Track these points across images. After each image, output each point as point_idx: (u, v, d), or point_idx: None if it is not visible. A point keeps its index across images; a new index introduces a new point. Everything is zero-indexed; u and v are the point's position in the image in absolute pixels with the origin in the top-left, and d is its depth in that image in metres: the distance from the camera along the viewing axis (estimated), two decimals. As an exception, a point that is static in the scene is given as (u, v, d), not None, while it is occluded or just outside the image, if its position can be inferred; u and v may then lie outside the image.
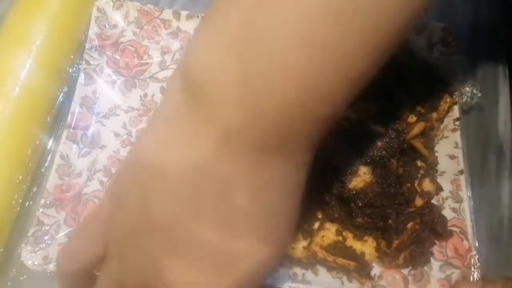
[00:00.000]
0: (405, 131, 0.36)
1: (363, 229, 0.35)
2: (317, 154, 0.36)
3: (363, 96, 0.39)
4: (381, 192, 0.35)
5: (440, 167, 0.40)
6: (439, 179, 0.40)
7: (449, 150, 0.41)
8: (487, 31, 0.47)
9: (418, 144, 0.37)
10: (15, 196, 0.38)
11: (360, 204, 0.35)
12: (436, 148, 0.41)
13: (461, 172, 0.40)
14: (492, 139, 0.43)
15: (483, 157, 0.42)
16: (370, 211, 0.35)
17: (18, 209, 0.39)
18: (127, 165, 0.26)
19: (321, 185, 0.36)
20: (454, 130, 0.41)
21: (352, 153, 0.36)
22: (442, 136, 0.41)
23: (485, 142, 0.43)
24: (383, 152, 0.35)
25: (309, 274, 0.37)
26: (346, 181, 0.35)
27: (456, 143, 0.40)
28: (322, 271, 0.37)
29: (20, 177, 0.39)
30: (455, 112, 0.41)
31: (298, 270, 0.37)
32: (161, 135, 0.24)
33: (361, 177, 0.35)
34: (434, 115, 0.40)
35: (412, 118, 0.37)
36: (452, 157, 0.40)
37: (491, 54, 0.45)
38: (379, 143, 0.36)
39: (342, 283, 0.37)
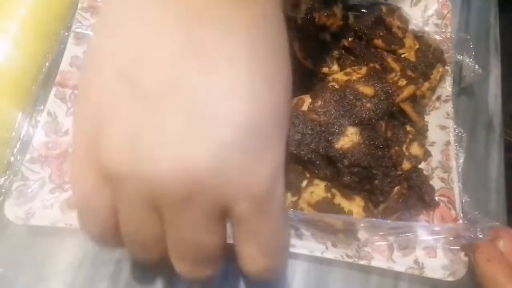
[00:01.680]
0: (395, 93, 0.36)
1: (350, 188, 0.35)
2: (305, 116, 0.36)
3: (354, 59, 0.39)
4: (369, 153, 0.35)
5: (431, 137, 0.40)
6: (430, 149, 0.40)
7: (440, 120, 0.40)
8: (481, 4, 0.47)
9: (407, 107, 0.37)
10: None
11: (346, 164, 0.34)
12: (427, 119, 0.41)
13: (450, 143, 0.39)
14: (482, 113, 0.43)
15: (473, 130, 0.42)
16: (357, 170, 0.35)
17: (5, 162, 0.38)
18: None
19: (308, 145, 0.35)
20: (445, 101, 0.41)
21: (340, 113, 0.35)
22: (434, 107, 0.41)
23: (475, 116, 0.43)
24: (372, 113, 0.35)
25: (293, 238, 0.37)
26: (333, 141, 0.35)
27: (448, 114, 0.40)
28: (306, 235, 0.37)
29: (13, 134, 0.39)
30: (448, 83, 0.41)
31: (283, 234, 0.37)
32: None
33: (349, 137, 0.35)
34: (426, 84, 0.40)
35: (402, 82, 0.37)
36: (443, 127, 0.40)
37: (483, 29, 0.45)
38: (368, 105, 0.35)
39: (326, 247, 0.37)
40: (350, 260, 0.36)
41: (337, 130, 0.35)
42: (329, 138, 0.35)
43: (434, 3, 0.44)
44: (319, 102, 0.36)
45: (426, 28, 0.43)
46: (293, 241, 0.37)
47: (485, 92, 0.44)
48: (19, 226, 0.37)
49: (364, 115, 0.35)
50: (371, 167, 0.35)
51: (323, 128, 0.35)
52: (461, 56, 0.41)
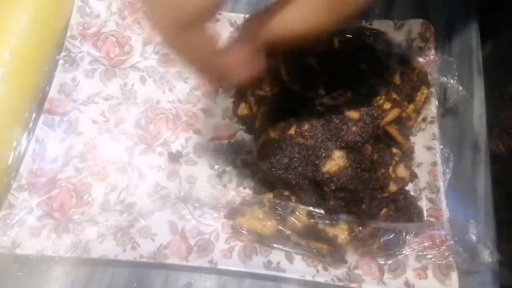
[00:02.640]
0: (380, 116, 0.37)
1: (336, 213, 0.35)
2: (292, 140, 0.36)
3: (340, 84, 0.40)
4: (355, 177, 0.35)
5: (418, 158, 0.41)
6: (417, 170, 0.40)
7: (426, 141, 0.41)
8: (463, 27, 0.48)
9: (392, 130, 0.38)
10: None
11: (333, 187, 0.35)
12: (414, 140, 0.41)
13: (436, 163, 0.40)
14: (467, 134, 0.43)
15: (459, 151, 0.43)
16: (343, 195, 0.35)
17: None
18: None
19: (296, 169, 0.36)
20: (431, 122, 0.41)
21: (327, 137, 0.36)
22: (420, 128, 0.42)
23: (461, 136, 0.43)
24: (358, 137, 0.36)
25: (283, 262, 0.37)
26: (320, 165, 0.35)
27: (434, 135, 0.41)
28: (297, 259, 0.37)
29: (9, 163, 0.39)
30: (432, 104, 0.42)
31: (273, 258, 0.37)
32: None
33: (335, 161, 0.35)
34: (411, 106, 0.40)
35: (387, 105, 0.38)
36: (430, 148, 0.41)
37: (466, 51, 0.46)
38: (354, 128, 0.36)
39: (317, 271, 0.36)
40: (341, 284, 0.36)
41: (323, 154, 0.35)
42: (316, 162, 0.35)
43: (417, 27, 0.45)
44: (306, 126, 0.36)
45: (410, 51, 0.44)
46: (284, 265, 0.37)
47: (470, 113, 0.44)
48: (5, 256, 0.36)
49: (350, 138, 0.36)
50: (358, 190, 0.35)
51: (310, 152, 0.36)
52: (445, 78, 0.42)
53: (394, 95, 0.39)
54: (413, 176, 0.38)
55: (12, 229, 0.36)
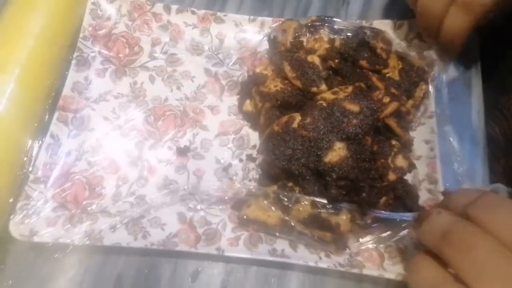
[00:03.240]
0: (379, 110, 0.38)
1: (337, 201, 0.37)
2: (295, 133, 0.38)
3: (341, 79, 0.41)
4: (356, 166, 0.36)
5: (417, 151, 0.42)
6: (416, 163, 0.41)
7: (425, 135, 0.42)
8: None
9: (392, 122, 0.39)
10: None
11: (334, 177, 0.36)
12: (413, 134, 0.43)
13: (436, 156, 0.41)
14: (466, 128, 0.45)
15: (457, 144, 0.44)
16: (344, 183, 0.36)
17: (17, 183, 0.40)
18: None
19: (299, 160, 0.37)
20: (430, 117, 0.43)
21: (328, 129, 0.37)
22: (419, 123, 0.43)
23: (459, 131, 0.45)
24: (358, 129, 0.37)
25: (288, 250, 0.38)
26: (322, 155, 0.37)
27: (432, 129, 0.42)
28: (301, 247, 0.39)
29: (25, 159, 0.41)
30: (431, 100, 0.43)
31: (278, 246, 0.38)
32: None
33: (337, 152, 0.37)
34: (410, 101, 0.42)
35: (386, 99, 0.39)
36: (428, 141, 0.42)
37: (464, 48, 0.48)
38: (354, 121, 0.37)
39: (320, 258, 0.38)
40: (343, 269, 0.37)
41: (325, 145, 0.37)
42: (318, 153, 0.37)
43: (416, 27, 0.46)
44: (308, 120, 0.38)
45: (409, 49, 0.46)
46: (288, 252, 0.38)
47: (468, 108, 0.46)
48: (23, 243, 0.38)
49: (351, 130, 0.37)
50: (358, 179, 0.36)
51: (312, 144, 0.37)
52: (443, 76, 0.44)
53: (393, 90, 0.40)
54: (412, 167, 0.39)
55: (29, 219, 0.38)
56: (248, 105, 0.45)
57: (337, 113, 0.38)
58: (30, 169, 0.40)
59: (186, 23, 0.49)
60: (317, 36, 0.45)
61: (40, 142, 0.42)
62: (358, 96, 0.39)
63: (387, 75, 0.42)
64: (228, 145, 0.44)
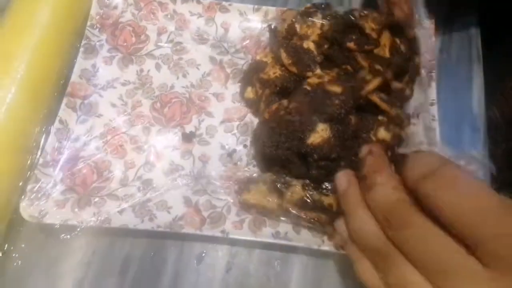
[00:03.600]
0: (361, 87, 0.39)
1: (320, 182, 0.38)
2: (281, 118, 0.39)
3: (331, 63, 0.42)
4: (338, 145, 0.37)
5: (418, 138, 0.43)
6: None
7: (426, 122, 0.43)
8: (463, 14, 0.50)
9: (375, 98, 0.39)
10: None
11: (315, 157, 0.37)
12: (414, 121, 0.43)
13: (436, 142, 0.42)
14: (467, 115, 0.46)
15: (458, 131, 0.45)
16: (325, 164, 0.37)
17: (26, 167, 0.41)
18: None
19: (283, 144, 0.38)
20: (431, 104, 0.43)
21: (311, 112, 0.38)
22: (422, 110, 0.44)
23: (460, 118, 0.45)
24: (340, 109, 0.38)
25: (291, 233, 0.39)
26: (305, 138, 0.37)
27: (433, 116, 0.43)
28: (303, 230, 0.39)
29: (34, 144, 0.42)
30: (433, 87, 0.44)
31: (281, 229, 0.39)
32: None
33: (319, 133, 0.37)
34: (406, 78, 0.42)
35: (369, 76, 0.40)
36: (429, 129, 0.43)
37: (465, 40, 0.48)
38: (336, 101, 0.38)
39: (323, 241, 0.39)
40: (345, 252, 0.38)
41: (308, 128, 0.38)
42: (301, 136, 0.38)
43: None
44: (293, 104, 0.39)
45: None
46: (292, 235, 0.39)
47: (469, 96, 0.47)
48: (33, 225, 0.39)
49: (333, 111, 0.38)
50: (340, 157, 0.37)
51: (296, 128, 0.38)
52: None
53: (377, 67, 0.40)
54: (398, 139, 0.39)
55: (38, 201, 0.39)
56: (249, 92, 0.45)
57: (320, 96, 0.39)
58: (39, 153, 0.41)
59: (191, 12, 0.50)
60: (309, 23, 0.45)
61: (49, 128, 0.42)
62: (342, 78, 0.40)
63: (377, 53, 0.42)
64: (232, 131, 0.45)
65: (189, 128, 0.45)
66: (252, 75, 0.45)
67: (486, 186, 0.27)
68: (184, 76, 0.47)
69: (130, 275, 0.39)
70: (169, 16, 0.50)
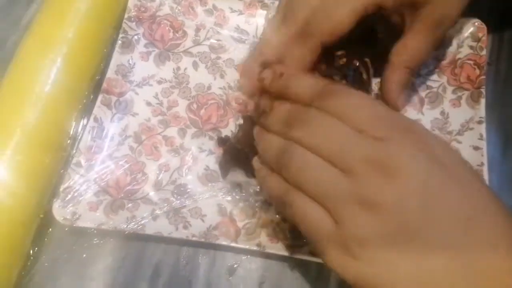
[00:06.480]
0: None
1: None
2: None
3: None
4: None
5: (464, 157, 0.41)
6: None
7: (473, 141, 0.41)
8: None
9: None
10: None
11: None
12: (461, 139, 0.42)
13: (483, 164, 0.40)
14: (512, 135, 0.44)
15: (503, 152, 0.43)
16: None
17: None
18: None
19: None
20: (479, 122, 0.42)
21: None
22: (468, 127, 0.42)
23: (505, 138, 0.44)
24: None
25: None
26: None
27: (481, 135, 0.41)
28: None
29: (68, 141, 0.41)
30: (481, 105, 0.42)
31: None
32: None
33: None
34: None
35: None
36: (476, 148, 0.41)
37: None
38: None
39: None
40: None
41: None
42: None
43: (470, 26, 0.45)
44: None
45: (461, 50, 0.45)
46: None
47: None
48: (63, 227, 0.38)
49: None
50: None
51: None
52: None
53: None
54: None
55: (72, 203, 0.38)
56: None
57: None
58: (74, 151, 0.40)
59: (231, 8, 0.48)
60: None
61: (84, 125, 0.41)
62: None
63: None
64: (270, 138, 0.43)
65: (225, 132, 0.43)
66: None
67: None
68: (222, 76, 0.46)
69: (160, 282, 0.38)
70: (208, 11, 0.48)
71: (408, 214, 0.25)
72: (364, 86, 0.36)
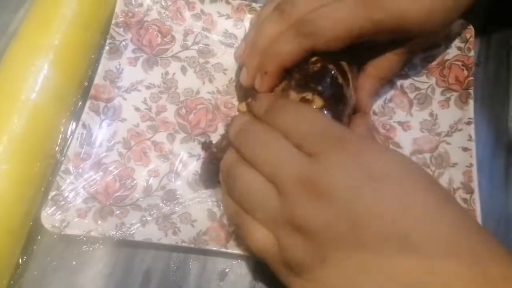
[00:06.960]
0: None
1: None
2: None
3: None
4: None
5: (453, 158, 0.41)
6: (452, 171, 0.41)
7: (462, 142, 0.41)
8: (500, 28, 0.48)
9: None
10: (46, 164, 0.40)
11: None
12: (450, 140, 0.42)
13: (472, 164, 0.40)
14: (502, 136, 0.44)
15: (492, 153, 0.43)
16: None
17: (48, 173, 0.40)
18: None
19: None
20: (468, 123, 0.42)
21: None
22: (457, 128, 0.42)
23: (495, 138, 0.44)
24: None
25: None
26: None
27: (470, 136, 0.41)
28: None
29: (56, 148, 0.41)
30: (470, 106, 0.42)
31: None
32: None
33: None
34: None
35: None
36: (465, 149, 0.41)
37: (503, 51, 0.46)
38: None
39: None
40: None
41: None
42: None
43: (456, 27, 0.45)
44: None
45: (449, 51, 0.45)
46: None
47: (505, 114, 0.45)
48: (52, 234, 0.38)
49: None
50: None
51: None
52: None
53: None
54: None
55: (60, 210, 0.38)
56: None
57: None
58: (62, 158, 0.40)
59: (219, 13, 0.48)
60: None
61: (72, 132, 0.41)
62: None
63: None
64: (259, 142, 0.43)
65: (214, 137, 0.43)
66: None
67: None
68: (211, 81, 0.46)
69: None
70: (196, 16, 0.48)
71: (338, 237, 0.25)
72: (340, 90, 0.35)
